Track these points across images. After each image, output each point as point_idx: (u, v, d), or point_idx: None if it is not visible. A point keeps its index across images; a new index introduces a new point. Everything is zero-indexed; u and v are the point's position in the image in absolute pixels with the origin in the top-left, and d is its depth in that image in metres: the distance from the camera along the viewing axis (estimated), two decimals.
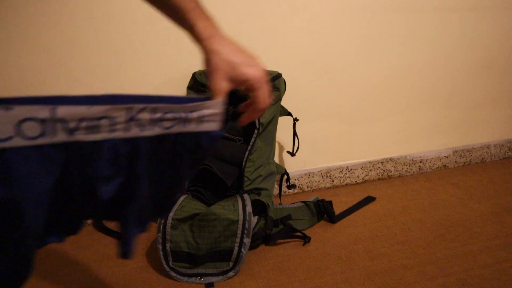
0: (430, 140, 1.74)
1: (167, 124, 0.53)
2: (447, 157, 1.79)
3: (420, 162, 1.75)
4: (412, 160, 1.73)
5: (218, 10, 1.28)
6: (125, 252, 0.61)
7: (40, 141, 0.44)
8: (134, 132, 0.51)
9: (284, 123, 1.41)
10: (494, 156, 1.87)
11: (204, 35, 0.52)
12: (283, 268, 1.13)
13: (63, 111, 0.43)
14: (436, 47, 1.58)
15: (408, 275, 1.08)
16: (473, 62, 1.67)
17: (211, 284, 1.08)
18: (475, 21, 1.60)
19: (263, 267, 1.14)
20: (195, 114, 0.54)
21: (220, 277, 1.09)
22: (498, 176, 1.70)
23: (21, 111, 0.41)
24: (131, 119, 0.49)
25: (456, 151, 1.79)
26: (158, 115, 0.51)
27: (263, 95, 0.54)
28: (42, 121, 0.42)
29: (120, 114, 0.48)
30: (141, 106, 0.49)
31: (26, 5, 1.14)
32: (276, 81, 1.27)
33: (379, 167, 1.68)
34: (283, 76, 1.30)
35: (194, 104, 0.53)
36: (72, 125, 0.45)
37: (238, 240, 1.09)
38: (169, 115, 0.52)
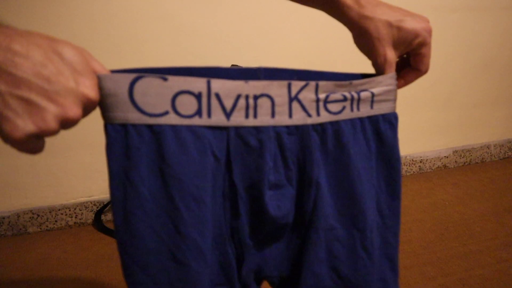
0: (430, 140, 1.74)
1: (334, 107, 0.43)
2: (447, 157, 1.79)
3: (420, 162, 1.75)
4: (412, 160, 1.73)
5: (218, 10, 1.28)
6: None
7: (195, 121, 0.38)
8: (299, 117, 0.42)
9: None
10: (494, 156, 1.87)
11: (348, 1, 0.45)
12: None
13: (218, 85, 0.38)
14: (436, 47, 1.58)
15: (408, 275, 1.08)
16: (473, 62, 1.67)
17: None
18: (475, 21, 1.60)
19: None
20: (366, 94, 0.45)
21: None
22: (498, 176, 1.70)
23: (177, 82, 0.36)
24: (293, 99, 0.41)
25: (456, 151, 1.79)
26: (322, 95, 0.42)
27: (429, 52, 0.45)
28: (198, 95, 0.37)
29: (280, 92, 0.40)
30: (302, 83, 0.41)
31: (25, 5, 1.14)
32: None
33: None
34: None
35: (363, 80, 0.44)
36: (228, 103, 0.38)
37: None
38: (336, 95, 0.43)
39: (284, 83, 0.40)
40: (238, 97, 0.39)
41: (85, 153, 1.29)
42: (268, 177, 0.42)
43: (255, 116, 0.40)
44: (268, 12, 1.35)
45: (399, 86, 0.48)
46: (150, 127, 0.36)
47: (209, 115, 0.38)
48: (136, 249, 0.38)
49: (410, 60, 0.47)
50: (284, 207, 0.44)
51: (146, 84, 0.35)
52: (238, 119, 0.39)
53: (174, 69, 0.37)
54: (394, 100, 0.47)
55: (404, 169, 1.73)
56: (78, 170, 1.31)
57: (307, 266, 0.46)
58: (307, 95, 0.42)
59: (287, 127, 0.42)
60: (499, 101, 1.79)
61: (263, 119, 0.40)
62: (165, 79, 0.36)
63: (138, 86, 0.35)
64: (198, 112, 0.37)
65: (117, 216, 0.38)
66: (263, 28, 1.36)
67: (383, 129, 0.47)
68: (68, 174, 1.31)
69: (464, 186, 1.62)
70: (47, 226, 1.34)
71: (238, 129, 0.40)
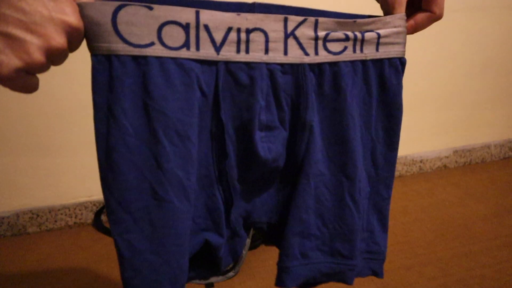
0: (430, 140, 1.74)
1: (335, 47, 0.41)
2: (447, 157, 1.79)
3: (420, 162, 1.75)
4: (412, 160, 1.73)
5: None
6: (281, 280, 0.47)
7: (183, 54, 0.36)
8: (295, 55, 0.39)
9: None
10: (495, 156, 1.87)
11: None
12: None
13: (207, 16, 0.35)
14: (436, 47, 1.58)
15: (408, 275, 1.08)
16: (473, 62, 1.67)
17: (211, 284, 1.07)
18: (475, 21, 1.60)
19: (263, 267, 1.14)
20: (371, 35, 0.42)
21: (220, 277, 1.09)
22: (498, 176, 1.70)
23: (164, 12, 0.34)
24: (289, 35, 0.38)
25: (457, 151, 1.79)
26: (322, 33, 0.39)
27: None
28: (186, 26, 0.35)
29: (275, 27, 0.38)
30: (300, 18, 0.38)
31: None
32: None
33: None
34: None
35: (369, 19, 0.41)
36: (218, 36, 0.36)
37: None
38: (337, 34, 0.40)
39: (280, 17, 0.37)
40: (229, 30, 0.36)
41: (85, 153, 1.29)
42: (259, 117, 0.40)
43: (247, 51, 0.37)
44: None
45: (409, 28, 0.44)
46: (134, 58, 0.35)
47: (197, 47, 0.36)
48: (117, 185, 0.37)
49: (422, 2, 0.44)
50: (276, 150, 0.42)
51: (131, 13, 0.34)
52: (228, 53, 0.37)
53: None
54: (403, 43, 0.43)
55: (404, 169, 1.73)
56: (78, 170, 1.31)
57: (295, 212, 0.45)
58: (305, 32, 0.39)
59: (281, 65, 0.39)
60: (499, 101, 1.78)
61: (256, 55, 0.38)
62: (151, 8, 0.34)
63: (122, 15, 0.33)
64: (186, 44, 0.36)
65: (100, 151, 0.37)
66: None
67: (387, 74, 0.43)
68: (67, 174, 1.31)
69: (464, 186, 1.62)
70: (46, 226, 1.33)
71: (228, 64, 0.38)
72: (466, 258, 1.15)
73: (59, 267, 1.16)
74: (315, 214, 0.46)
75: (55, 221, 1.34)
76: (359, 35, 0.41)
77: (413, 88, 1.62)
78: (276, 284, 0.47)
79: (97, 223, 1.36)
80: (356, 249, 0.47)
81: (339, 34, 0.40)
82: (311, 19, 0.39)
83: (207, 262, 0.45)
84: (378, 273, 0.51)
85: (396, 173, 1.72)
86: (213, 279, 1.14)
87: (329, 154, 0.44)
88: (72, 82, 1.24)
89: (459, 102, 1.72)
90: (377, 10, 0.47)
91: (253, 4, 0.38)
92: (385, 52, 0.43)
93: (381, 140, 0.47)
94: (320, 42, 0.40)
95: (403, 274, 1.08)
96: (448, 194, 1.56)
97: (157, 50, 0.35)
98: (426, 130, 1.72)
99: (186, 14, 0.35)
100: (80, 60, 1.22)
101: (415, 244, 1.22)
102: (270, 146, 0.42)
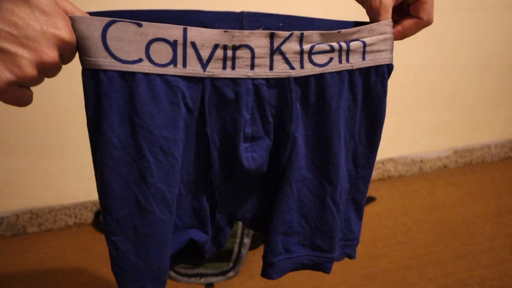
0: (430, 140, 1.74)
1: (321, 59, 0.41)
2: (448, 157, 1.79)
3: (420, 162, 1.75)
4: (412, 160, 1.73)
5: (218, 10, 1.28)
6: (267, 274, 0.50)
7: (169, 70, 0.37)
8: (281, 69, 0.40)
9: None
10: (495, 156, 1.87)
11: None
12: None
13: (195, 33, 0.36)
14: (436, 47, 1.58)
15: (408, 276, 1.08)
16: (473, 62, 1.67)
17: (211, 284, 1.07)
18: (475, 21, 1.60)
19: None
20: (357, 44, 0.42)
21: (220, 277, 1.09)
22: (498, 176, 1.70)
23: (152, 29, 0.35)
24: (275, 50, 0.39)
25: (457, 151, 1.79)
26: (307, 46, 0.40)
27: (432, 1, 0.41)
28: (173, 43, 0.36)
29: (262, 43, 0.38)
30: (286, 33, 0.39)
31: None
32: None
33: (379, 167, 1.68)
34: None
35: (353, 29, 0.41)
36: (205, 53, 0.37)
37: (238, 240, 1.08)
38: (322, 46, 0.41)
39: (266, 33, 0.38)
40: (216, 47, 0.37)
41: (85, 153, 1.29)
42: (243, 130, 0.41)
43: (233, 67, 0.39)
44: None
45: (396, 35, 0.44)
46: (122, 74, 0.36)
47: (184, 64, 0.37)
48: (104, 192, 0.39)
49: (410, 8, 0.43)
50: (259, 159, 0.44)
51: (120, 29, 0.34)
52: (214, 70, 0.38)
53: (151, 12, 0.36)
54: (391, 50, 0.43)
55: (404, 169, 1.73)
56: (77, 170, 1.31)
57: (278, 215, 0.47)
58: (291, 47, 0.39)
59: (267, 79, 0.40)
60: (499, 101, 1.78)
61: (241, 71, 0.39)
62: (140, 25, 0.35)
63: (112, 30, 0.34)
64: (173, 61, 0.37)
65: (93, 157, 0.40)
66: None
67: (373, 82, 0.44)
68: (67, 174, 1.31)
69: (464, 186, 1.62)
70: (46, 227, 1.33)
71: (214, 80, 0.39)
72: (466, 258, 1.14)
73: (59, 267, 1.16)
74: (298, 214, 0.48)
75: (55, 221, 1.34)
76: (344, 45, 0.41)
77: (413, 88, 1.62)
78: (262, 275, 0.51)
79: (97, 223, 1.36)
80: (335, 244, 0.51)
81: (324, 46, 0.41)
82: (297, 33, 0.39)
83: (193, 251, 0.48)
84: (351, 256, 0.56)
85: (396, 173, 1.72)
86: (213, 279, 1.14)
87: (313, 161, 0.46)
88: (72, 82, 1.24)
89: (459, 102, 1.72)
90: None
91: (241, 13, 0.38)
92: (372, 60, 0.43)
93: (363, 142, 0.48)
94: (305, 56, 0.40)
95: (403, 274, 1.08)
96: (448, 194, 1.55)
97: (145, 67, 0.36)
98: (426, 130, 1.71)
99: (173, 31, 0.36)
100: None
101: (415, 244, 1.22)
102: (253, 155, 0.44)
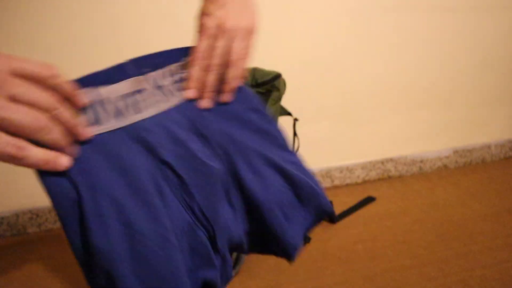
0: (430, 140, 1.74)
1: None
2: (448, 157, 1.78)
3: (420, 162, 1.75)
4: (412, 160, 1.73)
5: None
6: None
7: (96, 130, 0.40)
8: (167, 101, 0.46)
9: (284, 123, 1.41)
10: (495, 156, 1.87)
11: None
12: (283, 268, 1.13)
13: (106, 90, 0.41)
14: (436, 47, 1.58)
15: (408, 276, 1.08)
16: (473, 62, 1.67)
17: None
18: (475, 21, 1.60)
19: (263, 267, 1.14)
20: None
21: None
22: (499, 176, 1.70)
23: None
24: (159, 87, 0.45)
25: (457, 151, 1.79)
26: (177, 76, 0.47)
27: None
28: (92, 105, 0.40)
29: (146, 85, 0.44)
30: (160, 72, 0.45)
31: (24, 4, 1.14)
32: (276, 81, 1.27)
33: (379, 167, 1.68)
34: (283, 76, 1.30)
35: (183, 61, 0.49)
36: (120, 104, 0.42)
37: None
38: (185, 73, 0.48)
39: (142, 78, 0.44)
40: (120, 98, 0.42)
41: None
42: (190, 146, 0.45)
43: (138, 111, 0.43)
44: (268, 12, 1.35)
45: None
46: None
47: (108, 120, 0.41)
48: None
49: None
50: (214, 160, 0.48)
51: None
52: (132, 117, 0.42)
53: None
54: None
55: (404, 169, 1.73)
56: None
57: (267, 220, 0.51)
58: (165, 81, 0.46)
59: (165, 112, 0.45)
60: (499, 101, 1.78)
61: (149, 111, 0.44)
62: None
63: None
64: (96, 121, 0.40)
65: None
66: (263, 28, 1.35)
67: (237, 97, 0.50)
68: None
69: (464, 186, 1.62)
70: (46, 227, 1.33)
71: (128, 128, 0.42)
72: (466, 258, 1.14)
73: (59, 267, 1.16)
74: (278, 206, 0.52)
75: (55, 221, 1.34)
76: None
77: (413, 88, 1.62)
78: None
79: None
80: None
81: (186, 74, 0.47)
82: (169, 68, 0.46)
83: None
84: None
85: (396, 173, 1.72)
86: None
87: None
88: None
89: (459, 102, 1.72)
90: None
91: (126, 63, 0.44)
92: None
93: (275, 152, 0.54)
94: (178, 85, 0.47)
95: (404, 274, 1.08)
96: (448, 194, 1.55)
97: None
98: (426, 130, 1.71)
99: (90, 94, 0.40)
100: (80, 60, 1.22)
101: (415, 244, 1.22)
102: (210, 158, 0.47)
